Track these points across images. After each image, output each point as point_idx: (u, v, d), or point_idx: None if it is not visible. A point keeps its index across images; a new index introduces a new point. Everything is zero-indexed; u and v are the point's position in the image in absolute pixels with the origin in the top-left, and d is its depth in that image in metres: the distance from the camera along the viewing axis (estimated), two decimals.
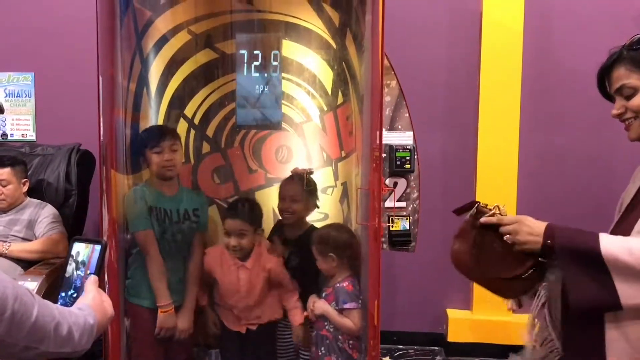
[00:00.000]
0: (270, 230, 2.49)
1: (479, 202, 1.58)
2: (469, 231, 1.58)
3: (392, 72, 2.58)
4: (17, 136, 3.81)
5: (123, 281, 2.39)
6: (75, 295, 1.21)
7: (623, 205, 1.55)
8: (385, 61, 2.36)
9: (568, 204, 3.47)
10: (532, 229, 1.45)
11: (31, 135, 3.80)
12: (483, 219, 1.53)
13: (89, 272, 1.23)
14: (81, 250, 1.25)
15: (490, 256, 1.54)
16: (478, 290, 3.51)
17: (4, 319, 0.92)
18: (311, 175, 2.41)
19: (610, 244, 1.34)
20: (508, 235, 1.49)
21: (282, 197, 2.40)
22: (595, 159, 3.50)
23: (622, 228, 1.47)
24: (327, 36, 2.44)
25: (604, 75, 1.52)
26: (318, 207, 2.46)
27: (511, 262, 1.50)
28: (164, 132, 2.40)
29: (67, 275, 1.24)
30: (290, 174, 2.43)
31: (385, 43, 2.12)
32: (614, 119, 1.50)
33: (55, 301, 1.16)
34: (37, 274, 2.70)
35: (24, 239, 2.98)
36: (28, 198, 3.13)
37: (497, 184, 3.45)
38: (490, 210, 1.54)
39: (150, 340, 2.33)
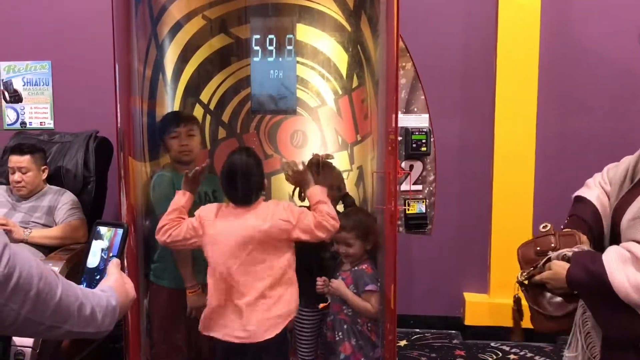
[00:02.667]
0: None
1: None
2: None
3: (408, 54, 2.56)
4: (35, 124, 3.85)
5: (142, 265, 2.43)
6: (98, 277, 1.23)
7: (636, 176, 1.56)
8: (401, 43, 2.34)
9: None
10: (560, 281, 1.54)
11: (49, 123, 3.84)
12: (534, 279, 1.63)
13: (111, 255, 1.25)
14: (104, 233, 1.27)
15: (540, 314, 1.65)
16: (495, 274, 3.51)
17: (29, 297, 0.94)
18: (330, 160, 2.40)
19: (620, 284, 1.38)
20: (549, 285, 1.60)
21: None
22: (616, 142, 3.44)
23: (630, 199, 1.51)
24: (341, 19, 2.43)
25: None
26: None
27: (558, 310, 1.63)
28: (180, 118, 2.43)
29: (89, 258, 1.26)
30: (312, 157, 2.41)
31: (401, 25, 2.10)
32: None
33: (77, 283, 1.18)
34: (58, 259, 2.74)
35: (45, 225, 3.03)
36: (47, 185, 3.17)
37: (514, 167, 3.42)
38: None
39: (176, 319, 2.40)
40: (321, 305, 2.37)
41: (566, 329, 1.60)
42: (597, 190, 1.73)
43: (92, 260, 1.26)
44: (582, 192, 1.76)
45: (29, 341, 2.47)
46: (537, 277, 1.59)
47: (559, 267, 1.54)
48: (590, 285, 1.46)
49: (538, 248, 1.64)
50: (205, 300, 2.30)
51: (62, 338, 1.02)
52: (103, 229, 1.28)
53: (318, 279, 2.32)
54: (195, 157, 2.44)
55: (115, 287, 1.18)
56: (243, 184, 2.16)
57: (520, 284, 1.64)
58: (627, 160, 1.67)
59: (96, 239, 1.27)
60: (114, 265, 1.24)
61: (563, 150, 3.53)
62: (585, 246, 1.57)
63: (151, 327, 2.49)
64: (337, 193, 2.39)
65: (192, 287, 2.37)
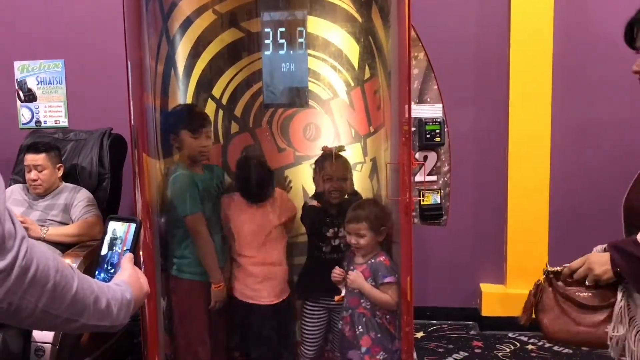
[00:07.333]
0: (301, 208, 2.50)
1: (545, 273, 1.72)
2: (551, 299, 1.70)
3: (420, 44, 2.53)
4: (50, 123, 3.89)
5: (159, 260, 2.44)
6: (112, 271, 1.25)
7: None
8: (413, 33, 2.32)
9: (603, 179, 3.39)
10: (601, 262, 1.52)
11: (64, 122, 3.88)
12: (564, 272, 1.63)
13: (125, 249, 1.27)
14: (117, 228, 1.29)
15: (576, 305, 1.63)
16: (512, 264, 3.48)
17: (46, 290, 0.95)
18: (343, 152, 2.40)
19: None
20: (587, 277, 1.57)
21: (328, 178, 2.38)
22: (631, 131, 3.40)
23: None
24: (352, 10, 2.41)
25: (634, 27, 1.51)
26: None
27: (597, 301, 1.59)
28: (203, 118, 2.45)
29: (103, 252, 1.28)
30: (322, 151, 2.42)
31: (412, 14, 2.08)
32: None
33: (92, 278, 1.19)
34: (75, 256, 2.77)
35: (61, 223, 3.06)
36: (63, 183, 3.20)
37: (529, 156, 3.39)
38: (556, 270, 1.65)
39: (201, 312, 2.43)
40: (337, 298, 2.36)
41: (591, 340, 1.58)
42: None
43: (106, 255, 1.27)
44: None
45: (48, 337, 2.50)
46: (576, 276, 1.58)
47: (598, 257, 1.53)
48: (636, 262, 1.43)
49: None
50: (226, 294, 2.37)
51: (78, 331, 1.03)
52: (116, 224, 1.29)
53: (335, 268, 2.32)
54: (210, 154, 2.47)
55: (129, 281, 1.19)
56: None
57: (548, 275, 1.64)
58: None
59: (109, 234, 1.28)
60: (127, 259, 1.25)
61: (578, 139, 3.49)
62: None
63: (174, 320, 2.52)
64: (343, 184, 2.38)
65: (219, 281, 2.40)
